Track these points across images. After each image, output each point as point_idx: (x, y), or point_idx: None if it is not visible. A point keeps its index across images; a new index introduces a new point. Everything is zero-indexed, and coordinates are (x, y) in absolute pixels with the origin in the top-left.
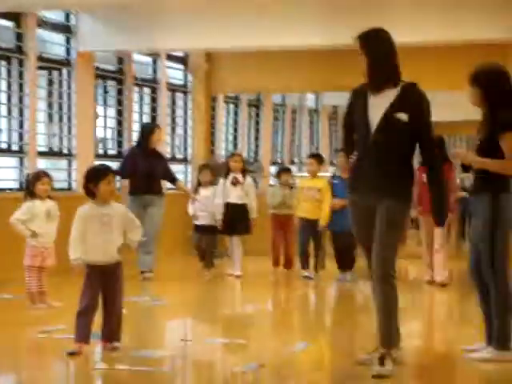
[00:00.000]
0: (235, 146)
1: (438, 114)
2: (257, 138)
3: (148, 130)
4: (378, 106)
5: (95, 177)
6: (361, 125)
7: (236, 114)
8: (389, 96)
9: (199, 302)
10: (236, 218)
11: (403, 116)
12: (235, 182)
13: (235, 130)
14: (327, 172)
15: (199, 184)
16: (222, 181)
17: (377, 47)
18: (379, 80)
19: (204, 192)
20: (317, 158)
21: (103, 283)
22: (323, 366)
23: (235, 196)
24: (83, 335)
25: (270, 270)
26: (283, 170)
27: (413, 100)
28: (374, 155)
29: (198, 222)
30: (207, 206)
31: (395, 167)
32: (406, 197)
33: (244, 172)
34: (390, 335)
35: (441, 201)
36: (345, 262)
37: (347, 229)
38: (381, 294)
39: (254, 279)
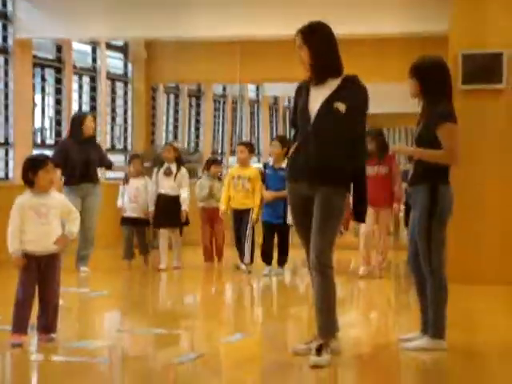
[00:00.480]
0: (176, 136)
1: (378, 106)
2: (197, 129)
3: (79, 119)
4: (319, 96)
5: (34, 165)
6: (301, 115)
7: (177, 104)
8: (330, 86)
9: (136, 294)
10: (167, 210)
11: (341, 106)
12: (168, 173)
13: (176, 120)
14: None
15: (129, 174)
16: (155, 170)
17: (320, 39)
18: (323, 71)
19: (134, 183)
20: (247, 145)
21: (40, 274)
22: (259, 356)
23: (167, 186)
24: (21, 326)
25: (204, 263)
26: (212, 162)
27: (352, 91)
28: (312, 144)
29: (126, 215)
30: (137, 197)
31: (333, 156)
32: (343, 185)
33: (178, 162)
34: (327, 325)
35: (363, 196)
36: (271, 256)
37: (279, 221)
38: (318, 285)
39: (189, 271)
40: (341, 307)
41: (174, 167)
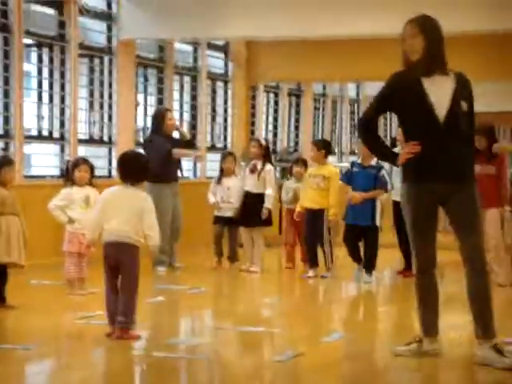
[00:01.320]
0: (275, 135)
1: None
2: (297, 128)
3: (160, 115)
4: (440, 91)
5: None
6: (421, 110)
7: (276, 103)
8: (446, 82)
9: (227, 292)
10: (251, 208)
11: (464, 104)
12: (252, 169)
13: (275, 119)
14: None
15: (222, 172)
16: (243, 167)
17: (433, 31)
18: (436, 62)
19: (226, 182)
20: (316, 144)
21: None
22: (360, 356)
23: (251, 184)
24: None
25: (286, 264)
26: (295, 162)
27: (468, 89)
28: (449, 141)
29: (218, 214)
30: (230, 196)
31: (469, 153)
32: (475, 181)
33: (265, 159)
34: (493, 324)
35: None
36: (360, 258)
37: (367, 223)
38: (482, 284)
39: (273, 273)
40: (443, 308)
41: (259, 164)
